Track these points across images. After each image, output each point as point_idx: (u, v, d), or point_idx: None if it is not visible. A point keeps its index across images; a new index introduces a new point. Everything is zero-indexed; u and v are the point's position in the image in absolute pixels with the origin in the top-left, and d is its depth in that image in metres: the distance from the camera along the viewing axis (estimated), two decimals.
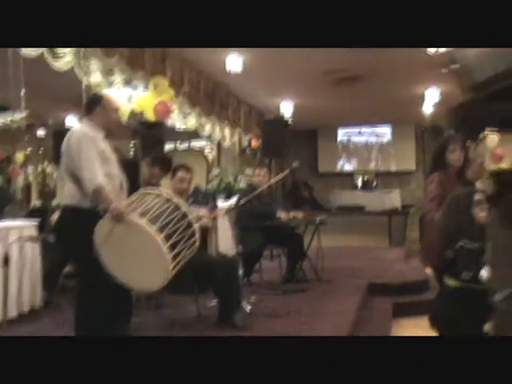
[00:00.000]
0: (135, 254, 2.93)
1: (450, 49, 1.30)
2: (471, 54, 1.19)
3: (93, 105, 3.43)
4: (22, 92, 5.64)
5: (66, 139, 3.29)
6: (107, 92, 3.53)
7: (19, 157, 9.18)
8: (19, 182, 11.45)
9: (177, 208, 3.05)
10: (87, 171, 3.11)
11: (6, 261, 2.91)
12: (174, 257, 2.89)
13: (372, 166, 15.05)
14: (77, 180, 3.17)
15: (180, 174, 4.56)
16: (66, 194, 3.32)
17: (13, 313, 4.60)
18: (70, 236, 3.28)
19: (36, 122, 11.16)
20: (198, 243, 3.16)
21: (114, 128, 3.53)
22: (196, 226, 3.13)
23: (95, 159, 3.17)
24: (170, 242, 2.86)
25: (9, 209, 6.19)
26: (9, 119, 6.37)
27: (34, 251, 4.87)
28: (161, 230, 2.86)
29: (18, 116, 6.71)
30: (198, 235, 3.13)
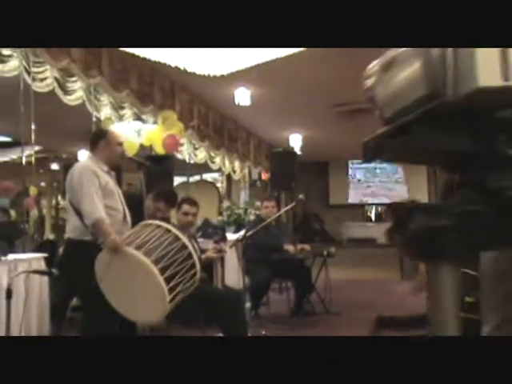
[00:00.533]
0: (133, 287, 2.94)
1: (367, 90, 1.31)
2: (380, 93, 1.22)
3: (97, 139, 3.51)
4: (32, 126, 5.77)
5: (69, 173, 3.37)
6: (112, 127, 3.62)
7: (33, 190, 9.30)
8: (33, 215, 11.57)
9: (176, 239, 3.06)
10: (87, 204, 3.17)
11: (10, 293, 2.92)
12: (171, 289, 2.88)
13: (383, 198, 15.00)
14: (79, 213, 3.22)
15: (184, 207, 4.59)
16: (69, 227, 3.37)
17: None
18: (73, 269, 3.31)
19: (50, 156, 11.37)
20: (198, 275, 3.15)
21: (118, 161, 3.59)
22: (196, 257, 3.12)
23: (96, 192, 3.22)
24: (167, 273, 2.86)
25: (20, 242, 6.24)
26: (23, 153, 6.50)
27: (41, 284, 4.89)
28: (157, 261, 2.87)
29: (28, 150, 6.83)
30: (198, 267, 3.11)
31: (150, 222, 3.25)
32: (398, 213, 0.74)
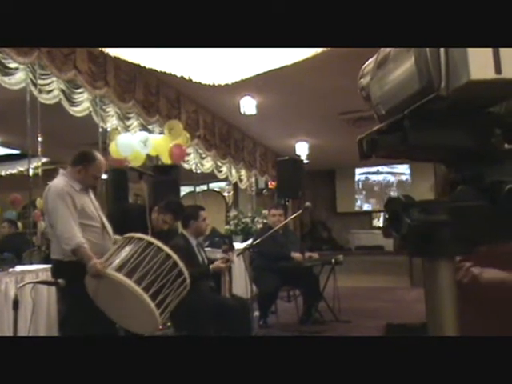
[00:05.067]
0: (123, 305, 2.99)
1: (362, 87, 1.29)
2: (375, 90, 1.20)
3: (80, 161, 3.44)
4: (39, 138, 5.81)
5: (44, 194, 3.35)
6: (100, 158, 3.54)
7: (40, 202, 9.36)
8: (40, 226, 11.62)
9: (159, 251, 3.06)
10: (64, 231, 3.17)
11: (16, 304, 2.94)
12: (160, 302, 2.89)
13: None
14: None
15: (202, 213, 4.66)
16: (54, 248, 3.38)
17: None
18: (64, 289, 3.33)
19: (57, 168, 11.44)
20: (188, 281, 3.15)
21: (89, 187, 3.51)
22: (182, 265, 3.12)
23: (72, 215, 3.20)
24: (153, 289, 2.87)
25: (28, 253, 6.27)
26: (30, 166, 6.56)
27: (49, 295, 4.90)
28: (139, 280, 2.88)
29: (35, 162, 6.88)
30: (186, 273, 3.12)
31: (132, 235, 3.22)
32: (392, 208, 0.74)
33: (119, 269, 2.95)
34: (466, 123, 0.74)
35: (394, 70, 0.79)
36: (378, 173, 15.09)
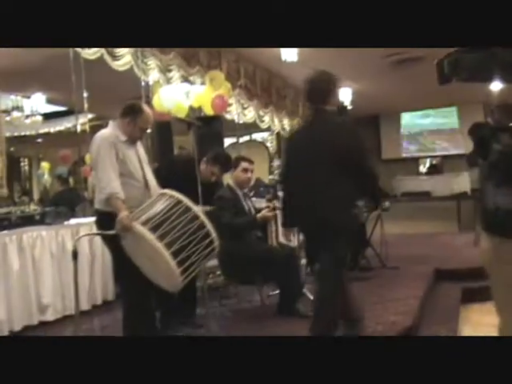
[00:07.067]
0: (148, 259, 3.01)
1: None
2: None
3: (127, 113, 3.42)
4: (84, 94, 5.87)
5: (91, 144, 3.38)
6: (148, 110, 3.52)
7: (89, 158, 9.55)
8: (90, 182, 11.91)
9: (187, 210, 3.01)
10: (102, 179, 3.21)
11: (76, 255, 3.06)
12: (182, 261, 2.87)
13: (438, 149, 14.55)
14: None
15: (243, 164, 4.67)
16: (97, 198, 3.41)
17: (86, 305, 4.85)
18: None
19: (103, 124, 11.58)
20: (216, 243, 3.08)
21: (136, 140, 3.50)
22: (210, 226, 3.05)
23: (112, 165, 3.23)
24: (175, 247, 2.84)
25: (80, 208, 6.48)
26: (77, 122, 6.69)
27: (104, 246, 5.08)
28: (163, 236, 2.86)
29: (82, 118, 6.99)
30: (214, 235, 3.04)
31: (165, 191, 3.20)
32: (479, 135, 0.69)
33: (145, 223, 2.95)
34: None
35: None
36: (424, 116, 14.63)
